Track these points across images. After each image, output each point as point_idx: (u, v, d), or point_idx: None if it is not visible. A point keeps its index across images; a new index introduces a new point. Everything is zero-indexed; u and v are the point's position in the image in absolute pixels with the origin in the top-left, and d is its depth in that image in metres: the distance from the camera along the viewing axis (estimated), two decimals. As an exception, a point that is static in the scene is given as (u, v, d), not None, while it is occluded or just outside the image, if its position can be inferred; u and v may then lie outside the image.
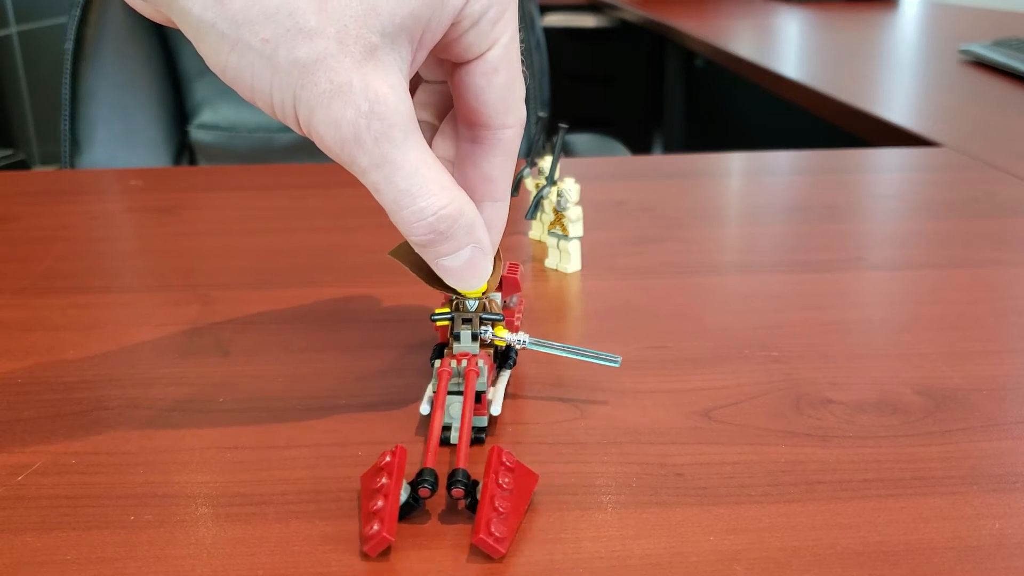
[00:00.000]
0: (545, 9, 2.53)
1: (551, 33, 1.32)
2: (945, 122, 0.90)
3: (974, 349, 0.40)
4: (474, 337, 0.34)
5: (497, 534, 0.26)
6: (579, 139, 1.24)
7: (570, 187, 0.50)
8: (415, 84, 0.35)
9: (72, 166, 1.07)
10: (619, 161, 0.83)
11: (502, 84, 0.32)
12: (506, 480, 0.28)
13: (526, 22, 1.14)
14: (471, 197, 0.33)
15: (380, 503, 0.27)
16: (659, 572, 0.26)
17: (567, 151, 1.14)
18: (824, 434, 0.33)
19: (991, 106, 0.96)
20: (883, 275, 0.50)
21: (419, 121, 0.35)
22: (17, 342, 0.42)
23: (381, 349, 0.41)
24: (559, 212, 0.50)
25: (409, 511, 0.28)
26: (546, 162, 0.54)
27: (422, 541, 0.28)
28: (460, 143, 0.34)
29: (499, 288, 0.37)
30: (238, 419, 0.35)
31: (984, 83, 1.09)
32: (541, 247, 0.54)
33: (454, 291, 0.34)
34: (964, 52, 1.25)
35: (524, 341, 0.34)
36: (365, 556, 0.27)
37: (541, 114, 0.54)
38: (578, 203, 0.50)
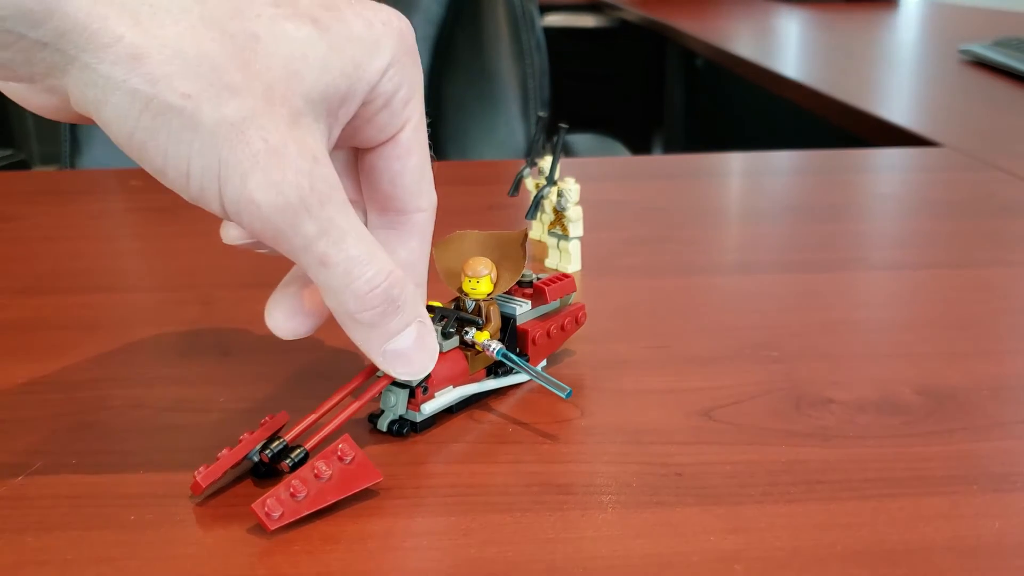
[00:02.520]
0: (545, 9, 2.53)
1: (551, 33, 1.32)
2: (945, 122, 0.90)
3: (974, 349, 0.40)
4: (446, 335, 0.34)
5: (270, 511, 0.27)
6: (579, 139, 1.24)
7: (570, 187, 0.50)
8: None
9: (72, 166, 1.07)
10: (619, 161, 0.83)
11: (415, 166, 0.32)
12: (326, 469, 0.28)
13: (526, 22, 1.14)
14: None
15: (224, 452, 0.30)
16: (659, 572, 0.26)
17: (567, 151, 1.14)
18: (824, 434, 0.33)
19: (991, 106, 0.96)
20: (883, 275, 0.50)
21: None
22: (17, 342, 0.42)
23: (381, 349, 0.41)
24: (559, 212, 0.50)
25: (259, 472, 0.31)
26: (546, 162, 0.54)
27: (427, 541, 0.28)
28: (373, 231, 0.33)
29: (547, 288, 0.37)
30: (238, 419, 0.35)
31: (984, 83, 1.09)
32: (541, 247, 0.54)
33: (462, 290, 0.35)
34: (964, 52, 1.25)
35: (495, 350, 0.34)
36: (366, 556, 0.27)
37: (541, 114, 0.54)
38: (578, 203, 0.50)
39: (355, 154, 0.33)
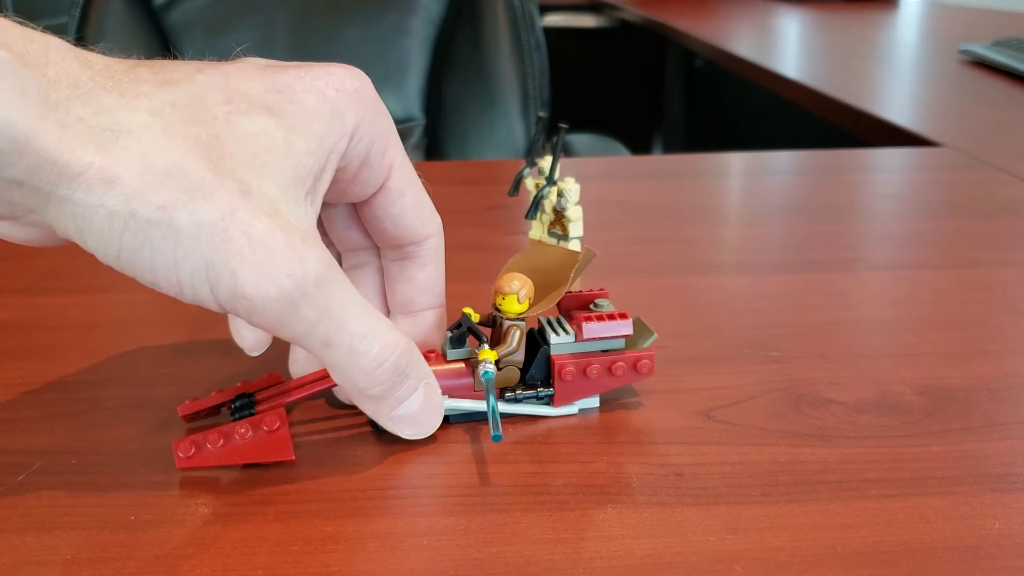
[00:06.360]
0: (545, 9, 2.53)
1: (551, 33, 1.32)
2: (945, 122, 0.90)
3: (974, 349, 0.40)
4: (453, 344, 0.33)
5: (184, 451, 0.30)
6: (579, 139, 1.24)
7: (570, 187, 0.50)
8: None
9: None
10: (619, 161, 0.83)
11: (411, 204, 0.32)
12: (247, 432, 0.30)
13: (526, 22, 1.14)
14: (411, 309, 0.34)
15: (214, 393, 0.34)
16: (659, 572, 0.26)
17: (567, 151, 1.14)
18: (824, 434, 0.33)
19: (991, 106, 0.96)
20: (883, 275, 0.50)
21: None
22: (17, 342, 0.42)
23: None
24: (559, 212, 0.50)
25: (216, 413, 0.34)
26: (546, 162, 0.54)
27: (427, 541, 0.28)
28: (386, 264, 0.34)
29: (586, 324, 0.33)
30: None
31: (984, 83, 1.09)
32: (541, 247, 0.54)
33: (495, 306, 0.33)
34: (964, 52, 1.25)
35: (484, 372, 0.32)
36: (366, 556, 0.27)
37: (541, 114, 0.54)
38: (578, 203, 0.50)
39: (353, 205, 0.33)
